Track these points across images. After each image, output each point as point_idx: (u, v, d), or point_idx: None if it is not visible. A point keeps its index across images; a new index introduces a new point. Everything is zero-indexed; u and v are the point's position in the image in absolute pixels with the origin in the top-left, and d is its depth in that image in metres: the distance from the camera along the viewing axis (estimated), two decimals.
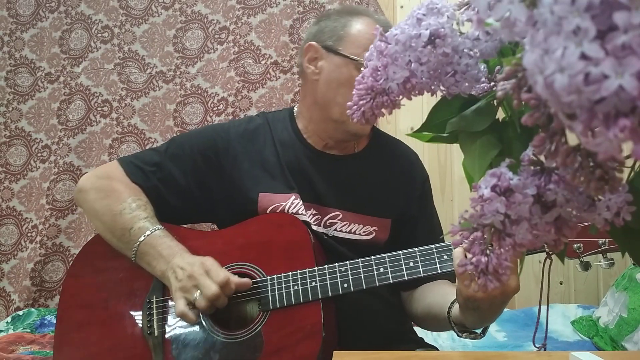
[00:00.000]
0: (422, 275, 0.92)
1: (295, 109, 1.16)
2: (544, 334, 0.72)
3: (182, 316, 0.92)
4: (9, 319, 1.89)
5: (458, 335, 0.92)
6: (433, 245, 0.94)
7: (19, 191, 2.20)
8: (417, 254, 0.94)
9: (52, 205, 2.11)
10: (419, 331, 1.20)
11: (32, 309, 1.96)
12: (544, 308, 0.79)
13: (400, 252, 0.95)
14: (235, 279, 0.94)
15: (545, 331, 0.68)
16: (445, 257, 0.92)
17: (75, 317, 1.04)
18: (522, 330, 1.70)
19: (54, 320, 1.85)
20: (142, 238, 0.99)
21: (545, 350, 0.64)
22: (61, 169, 2.13)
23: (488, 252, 0.35)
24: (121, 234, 1.02)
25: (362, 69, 1.08)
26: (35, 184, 2.19)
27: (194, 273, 0.92)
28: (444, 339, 1.64)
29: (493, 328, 1.70)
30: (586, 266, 0.84)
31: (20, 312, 1.93)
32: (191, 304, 0.92)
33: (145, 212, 1.03)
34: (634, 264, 1.62)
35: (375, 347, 0.95)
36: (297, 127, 1.12)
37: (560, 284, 2.01)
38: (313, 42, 1.08)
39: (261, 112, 1.22)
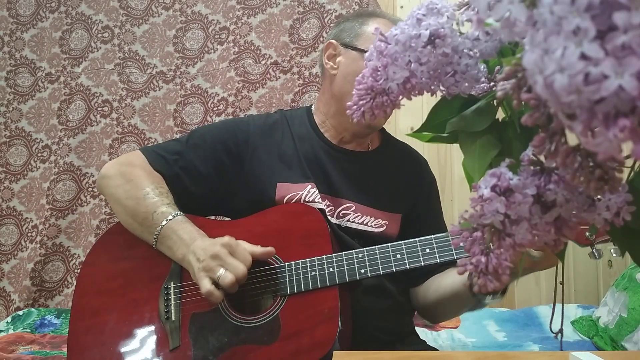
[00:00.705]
0: (438, 261, 0.94)
1: (312, 107, 1.22)
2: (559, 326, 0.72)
3: (209, 295, 0.92)
4: (9, 319, 1.89)
5: (482, 302, 0.94)
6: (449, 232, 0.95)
7: (19, 191, 2.20)
8: (434, 240, 0.96)
9: (52, 205, 2.11)
10: (420, 333, 1.20)
11: (32, 309, 1.96)
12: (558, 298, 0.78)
13: (417, 239, 0.96)
14: (259, 249, 0.96)
15: (561, 316, 0.68)
16: (461, 243, 0.92)
17: (91, 303, 1.04)
18: (522, 330, 1.70)
19: (54, 320, 1.85)
20: (164, 222, 1.01)
21: (562, 335, 0.64)
22: (61, 169, 2.13)
23: (488, 252, 0.35)
24: (144, 217, 1.03)
25: None
26: (36, 184, 2.19)
27: (219, 253, 0.93)
28: (443, 339, 1.64)
29: (493, 328, 1.70)
30: (598, 254, 0.83)
31: (20, 312, 1.93)
32: (215, 283, 0.93)
33: (168, 198, 1.06)
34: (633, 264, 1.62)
35: (378, 348, 0.95)
36: (315, 122, 1.17)
37: (560, 284, 2.01)
38: (332, 40, 1.15)
39: (279, 109, 1.27)
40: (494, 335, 1.66)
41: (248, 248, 0.96)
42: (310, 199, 1.06)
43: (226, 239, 0.96)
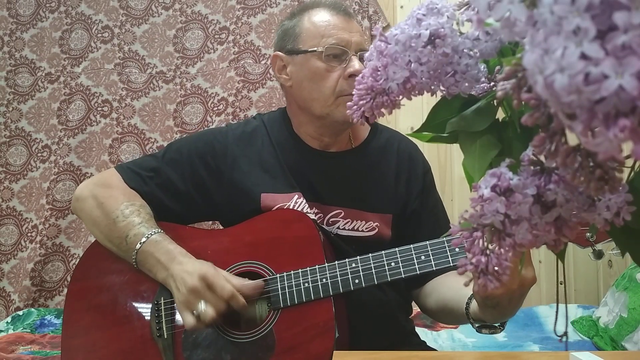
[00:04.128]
0: (434, 268, 0.91)
1: (287, 109, 1.16)
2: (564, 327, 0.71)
3: (195, 329, 0.92)
4: (9, 319, 1.89)
5: (477, 332, 0.91)
6: (444, 238, 0.92)
7: (19, 191, 2.20)
8: (429, 247, 0.93)
9: (52, 205, 2.11)
10: (420, 333, 1.19)
11: (32, 309, 1.96)
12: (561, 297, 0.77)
13: (411, 245, 0.94)
14: (246, 287, 0.93)
15: (565, 320, 0.68)
16: (457, 249, 0.91)
17: (82, 320, 1.03)
18: (522, 330, 1.70)
19: (54, 321, 1.86)
20: (138, 246, 0.98)
21: (567, 338, 0.64)
22: (61, 169, 2.13)
23: (488, 252, 0.35)
24: (119, 242, 1.01)
25: (323, 55, 1.03)
26: (35, 184, 2.19)
27: (197, 287, 0.92)
28: (443, 339, 1.64)
29: None
30: (599, 254, 0.82)
31: (20, 312, 1.94)
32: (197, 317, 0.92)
33: (139, 217, 1.02)
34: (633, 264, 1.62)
35: (378, 348, 0.95)
36: (292, 127, 1.13)
37: (560, 284, 2.01)
38: (277, 52, 1.10)
39: (257, 114, 1.22)
40: (494, 335, 1.66)
41: (235, 282, 0.93)
42: (299, 209, 1.03)
43: (204, 269, 0.93)
